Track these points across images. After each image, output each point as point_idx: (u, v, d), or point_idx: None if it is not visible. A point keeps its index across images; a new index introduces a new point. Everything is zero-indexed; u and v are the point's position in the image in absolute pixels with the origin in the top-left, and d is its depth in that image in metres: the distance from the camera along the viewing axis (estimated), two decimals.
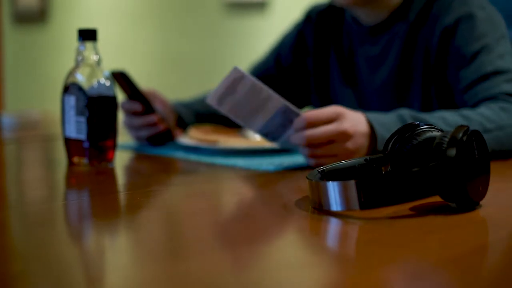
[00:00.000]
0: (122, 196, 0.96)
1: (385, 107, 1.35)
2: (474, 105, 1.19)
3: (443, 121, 1.07)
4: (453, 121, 1.07)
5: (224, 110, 1.04)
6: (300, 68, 1.51)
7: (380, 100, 1.38)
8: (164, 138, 1.32)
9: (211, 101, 1.03)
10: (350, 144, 1.02)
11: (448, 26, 1.26)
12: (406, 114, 1.07)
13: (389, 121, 1.06)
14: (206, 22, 3.50)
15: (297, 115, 1.04)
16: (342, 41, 1.45)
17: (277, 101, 1.03)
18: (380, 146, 1.03)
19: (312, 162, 1.04)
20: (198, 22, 3.54)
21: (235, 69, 1.01)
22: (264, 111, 1.04)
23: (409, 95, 1.34)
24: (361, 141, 1.03)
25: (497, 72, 1.20)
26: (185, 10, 3.60)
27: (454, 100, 1.27)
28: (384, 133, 1.04)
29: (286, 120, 1.05)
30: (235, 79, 1.01)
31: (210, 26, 3.48)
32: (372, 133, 1.04)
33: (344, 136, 1.01)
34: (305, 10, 1.53)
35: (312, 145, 1.02)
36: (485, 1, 1.30)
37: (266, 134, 1.08)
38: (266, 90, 1.02)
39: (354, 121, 1.03)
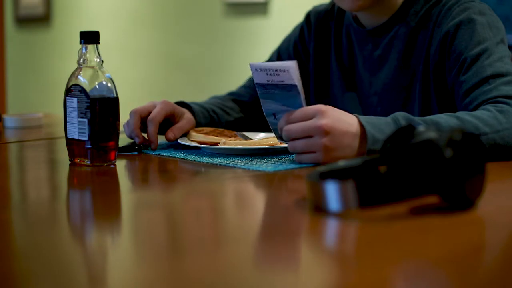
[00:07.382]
0: (123, 196, 0.97)
1: (386, 109, 1.36)
2: (475, 108, 1.19)
3: (437, 124, 1.07)
4: (446, 125, 1.07)
5: (256, 79, 1.09)
6: (301, 71, 1.52)
7: (381, 102, 1.38)
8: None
9: (253, 66, 1.08)
10: (327, 141, 1.03)
11: (448, 31, 1.27)
12: (400, 116, 1.08)
13: (381, 122, 1.06)
14: (207, 22, 3.50)
15: (299, 95, 1.07)
16: (342, 43, 1.45)
17: (300, 94, 1.08)
18: (371, 146, 1.04)
19: (296, 157, 1.08)
20: (199, 23, 3.54)
21: (292, 69, 1.06)
22: (284, 99, 1.09)
23: (410, 98, 1.34)
24: (343, 140, 1.04)
25: (496, 75, 1.20)
26: (186, 11, 3.60)
27: (454, 103, 1.27)
28: (375, 134, 1.04)
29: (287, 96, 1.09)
30: (284, 71, 1.06)
31: (211, 27, 3.49)
32: (364, 134, 1.05)
33: (319, 131, 1.03)
34: (306, 12, 1.53)
35: (292, 139, 1.06)
36: (486, 7, 1.30)
37: (273, 114, 1.12)
38: (299, 89, 1.07)
39: (335, 119, 1.04)
